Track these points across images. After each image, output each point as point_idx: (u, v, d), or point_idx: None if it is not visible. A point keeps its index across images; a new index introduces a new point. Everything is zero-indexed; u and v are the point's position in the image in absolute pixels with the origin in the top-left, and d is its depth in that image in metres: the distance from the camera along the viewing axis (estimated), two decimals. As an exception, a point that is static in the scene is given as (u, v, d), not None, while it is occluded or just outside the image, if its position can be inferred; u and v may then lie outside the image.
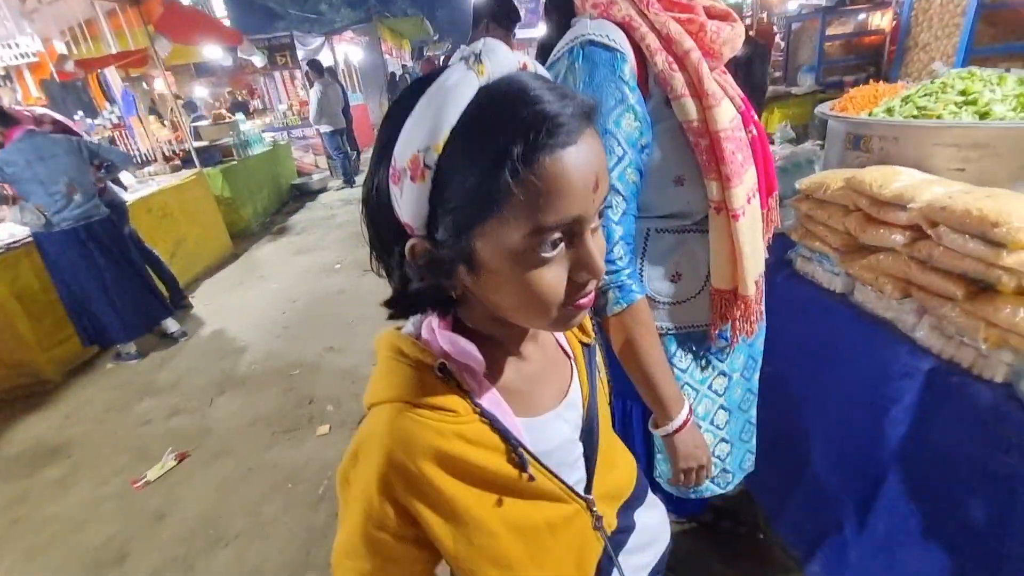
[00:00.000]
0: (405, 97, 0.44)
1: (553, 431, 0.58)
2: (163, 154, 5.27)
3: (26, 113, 3.15)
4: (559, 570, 0.59)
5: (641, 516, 0.72)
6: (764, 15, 7.08)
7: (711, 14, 0.84)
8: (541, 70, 0.46)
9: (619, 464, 0.72)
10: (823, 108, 1.46)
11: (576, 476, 0.61)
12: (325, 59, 9.35)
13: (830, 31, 5.35)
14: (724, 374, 0.97)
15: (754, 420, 1.11)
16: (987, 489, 0.89)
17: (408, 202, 0.43)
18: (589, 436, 0.62)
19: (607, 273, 0.80)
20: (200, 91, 10.21)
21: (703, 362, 0.96)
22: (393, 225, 0.46)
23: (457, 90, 0.40)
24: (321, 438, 2.38)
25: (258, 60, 8.41)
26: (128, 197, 3.78)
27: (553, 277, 0.44)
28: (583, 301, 0.47)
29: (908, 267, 0.97)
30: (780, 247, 1.41)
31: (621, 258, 0.80)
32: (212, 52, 6.67)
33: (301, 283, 4.30)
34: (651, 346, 0.82)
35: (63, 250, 2.96)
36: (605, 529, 0.63)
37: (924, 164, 1.11)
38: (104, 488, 2.27)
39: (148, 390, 3.02)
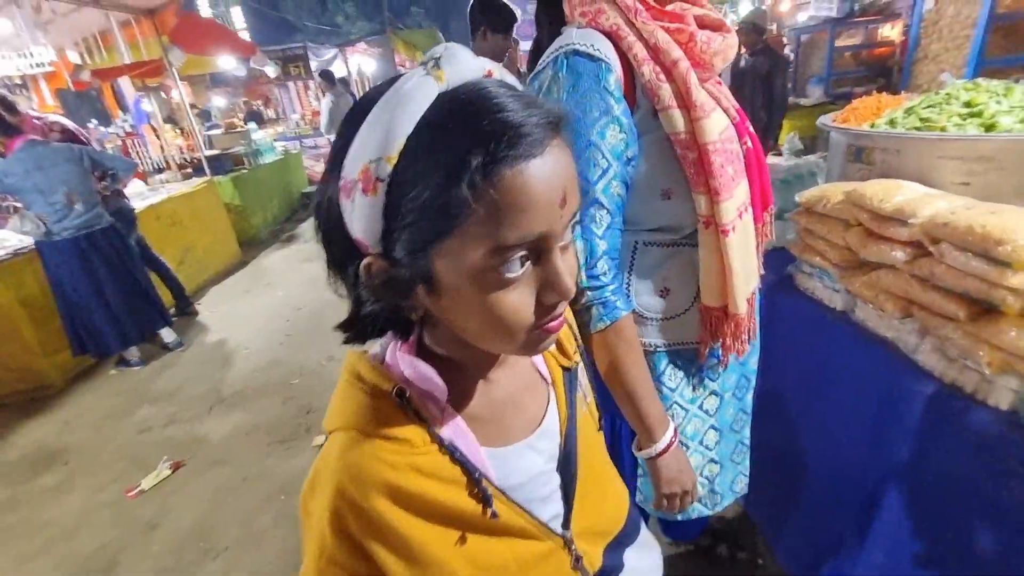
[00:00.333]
0: (363, 103, 0.41)
1: (524, 462, 0.53)
2: (176, 162, 5.34)
3: (35, 120, 3.20)
4: None
5: (631, 557, 0.67)
6: (774, 26, 7.06)
7: (703, 24, 0.82)
8: (510, 78, 0.44)
9: (609, 497, 0.67)
10: (825, 119, 1.42)
11: (552, 511, 0.56)
12: (338, 70, 9.46)
13: (839, 42, 5.33)
14: (715, 393, 0.94)
15: (747, 441, 1.07)
16: (990, 518, 0.84)
17: (360, 217, 0.40)
18: (567, 466, 0.57)
19: (591, 289, 0.77)
20: (217, 100, 10.39)
21: (694, 381, 0.92)
22: (346, 242, 0.43)
23: (413, 96, 0.37)
24: (317, 448, 2.36)
25: (271, 70, 8.54)
26: (137, 204, 3.82)
27: (518, 299, 0.41)
28: (552, 324, 0.44)
29: (909, 285, 0.93)
30: (781, 262, 1.37)
31: (605, 273, 0.78)
32: (226, 63, 6.78)
33: (308, 291, 4.31)
34: (635, 365, 0.79)
35: (63, 259, 2.99)
36: (587, 569, 0.59)
37: (927, 178, 1.07)
38: (99, 496, 2.26)
39: (148, 397, 3.03)
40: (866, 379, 1.09)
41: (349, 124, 0.41)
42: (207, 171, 5.15)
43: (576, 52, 0.76)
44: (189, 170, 5.29)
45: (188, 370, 3.28)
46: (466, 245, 0.38)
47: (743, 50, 4.08)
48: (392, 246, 0.40)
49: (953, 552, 0.90)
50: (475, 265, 0.38)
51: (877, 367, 1.06)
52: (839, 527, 1.20)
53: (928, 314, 0.91)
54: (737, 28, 4.15)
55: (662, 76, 0.76)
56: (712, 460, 0.97)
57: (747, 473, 1.08)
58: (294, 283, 4.56)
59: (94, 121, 6.72)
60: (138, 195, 4.29)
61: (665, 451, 0.79)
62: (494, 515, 0.49)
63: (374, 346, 0.53)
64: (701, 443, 0.95)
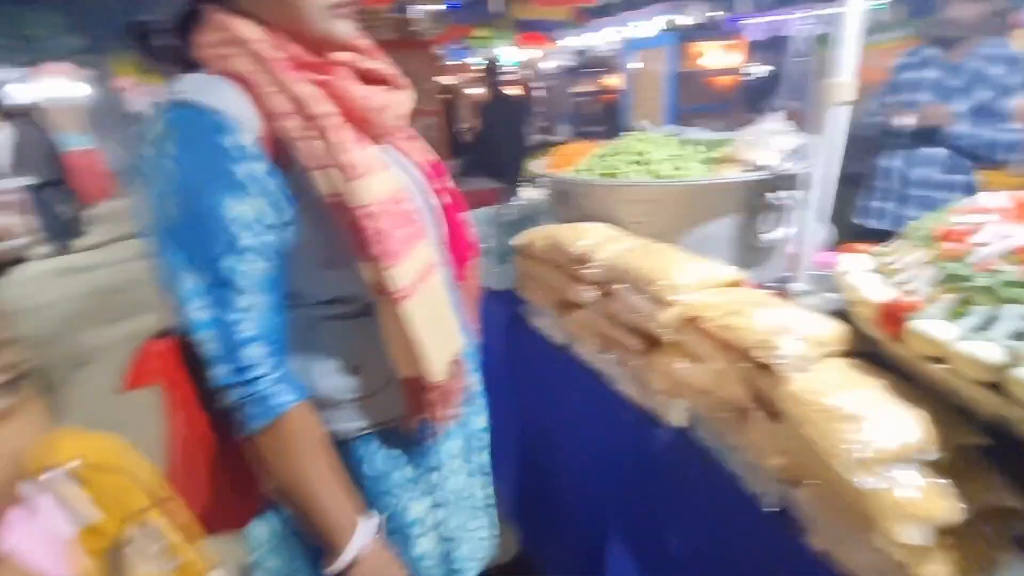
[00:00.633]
0: None
1: None
2: None
3: None
4: None
5: None
6: (531, 71, 7.91)
7: (368, 78, 0.75)
8: None
9: None
10: (537, 164, 1.52)
11: None
12: (27, 95, 7.52)
13: (578, 89, 6.17)
14: (435, 469, 0.86)
15: (490, 498, 1.02)
16: (690, 521, 0.92)
17: None
18: None
19: (240, 384, 0.63)
20: None
21: (410, 460, 0.83)
22: None
23: None
24: None
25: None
26: None
27: None
28: None
29: (601, 322, 1.00)
30: (516, 299, 1.40)
31: (260, 363, 0.64)
32: None
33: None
34: (312, 465, 0.67)
35: None
36: None
37: (613, 217, 1.19)
38: None
39: None
40: (591, 409, 1.15)
41: None
42: None
43: (188, 104, 0.62)
44: None
45: None
46: None
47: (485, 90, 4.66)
48: None
49: (682, 559, 0.96)
50: None
51: (598, 397, 1.12)
52: (596, 547, 1.25)
53: (620, 348, 0.98)
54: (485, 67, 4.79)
55: (313, 132, 0.66)
56: (444, 539, 0.89)
57: (495, 527, 1.04)
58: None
59: None
60: None
61: (355, 563, 0.68)
62: None
63: None
64: (427, 526, 0.86)
